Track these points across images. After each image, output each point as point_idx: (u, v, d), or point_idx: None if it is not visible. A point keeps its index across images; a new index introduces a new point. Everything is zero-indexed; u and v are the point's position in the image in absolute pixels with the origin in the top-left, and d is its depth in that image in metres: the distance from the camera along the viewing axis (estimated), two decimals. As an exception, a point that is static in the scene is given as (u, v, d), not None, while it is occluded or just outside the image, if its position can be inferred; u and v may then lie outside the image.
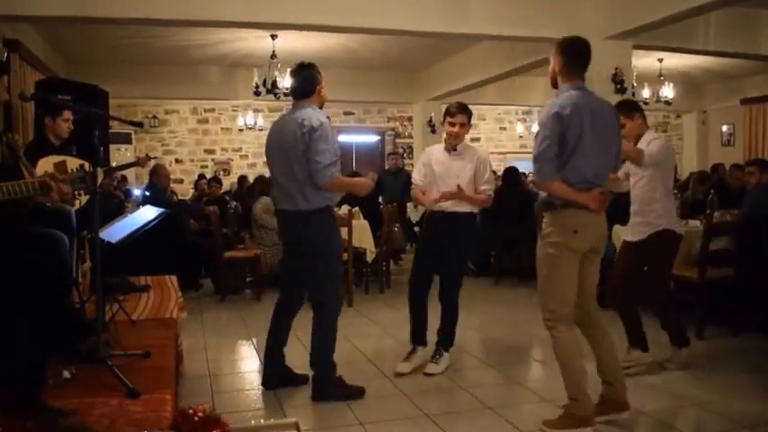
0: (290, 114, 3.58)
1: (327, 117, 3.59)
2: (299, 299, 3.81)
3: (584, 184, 2.95)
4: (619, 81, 6.61)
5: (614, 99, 6.79)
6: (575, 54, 3.06)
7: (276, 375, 3.77)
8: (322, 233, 3.52)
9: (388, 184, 9.05)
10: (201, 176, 9.70)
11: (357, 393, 3.61)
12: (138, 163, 5.93)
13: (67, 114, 3.95)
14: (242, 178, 10.44)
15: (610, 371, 3.15)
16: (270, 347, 3.78)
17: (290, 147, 3.44)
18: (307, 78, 3.65)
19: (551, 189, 2.97)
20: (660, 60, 9.39)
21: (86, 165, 3.28)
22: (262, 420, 2.44)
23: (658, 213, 3.89)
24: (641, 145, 3.92)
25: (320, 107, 3.64)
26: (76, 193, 3.31)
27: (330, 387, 3.58)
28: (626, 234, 4.10)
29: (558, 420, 3.05)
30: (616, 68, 6.54)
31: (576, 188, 2.94)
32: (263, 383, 3.78)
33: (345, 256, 6.22)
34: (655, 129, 13.74)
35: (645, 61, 9.03)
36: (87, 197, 3.43)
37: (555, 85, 3.12)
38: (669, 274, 4.35)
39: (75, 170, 3.08)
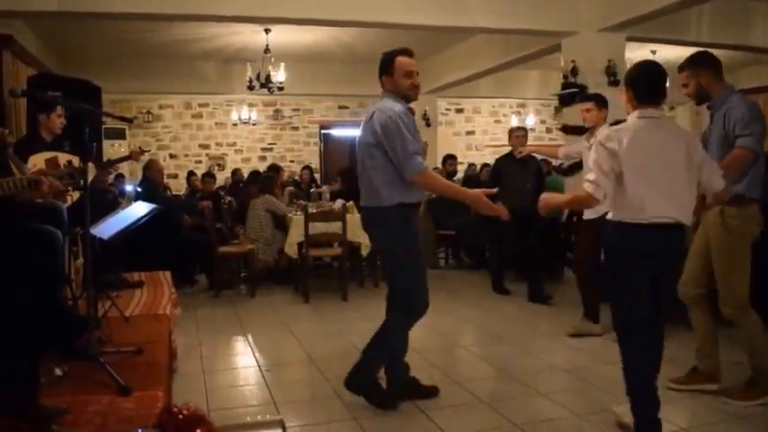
0: None
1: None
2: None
3: None
4: (612, 73, 6.62)
5: (607, 92, 6.85)
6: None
7: (400, 390, 3.45)
8: None
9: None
10: (192, 173, 9.67)
11: (390, 406, 3.33)
12: (131, 157, 5.91)
13: (60, 110, 3.94)
14: (235, 172, 10.44)
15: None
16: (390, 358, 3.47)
17: None
18: None
19: None
20: (653, 52, 9.40)
21: (75, 160, 3.27)
22: (248, 418, 2.44)
23: None
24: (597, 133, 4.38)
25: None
26: (69, 188, 3.31)
27: (367, 382, 3.35)
28: (588, 213, 4.47)
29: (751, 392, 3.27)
30: (609, 60, 6.55)
31: None
32: (345, 383, 3.46)
33: (339, 250, 6.24)
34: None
35: (638, 53, 9.01)
36: (79, 193, 3.42)
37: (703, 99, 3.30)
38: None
39: (64, 166, 3.08)
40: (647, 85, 2.81)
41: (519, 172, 5.92)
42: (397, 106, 3.19)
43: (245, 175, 10.30)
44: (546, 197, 3.03)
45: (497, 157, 6.52)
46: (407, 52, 3.29)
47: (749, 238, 3.27)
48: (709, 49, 3.66)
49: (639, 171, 2.70)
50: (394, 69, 3.26)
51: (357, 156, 3.37)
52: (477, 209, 3.22)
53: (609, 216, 2.88)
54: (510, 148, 5.98)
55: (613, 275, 2.85)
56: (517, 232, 5.82)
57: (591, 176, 2.76)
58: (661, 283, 2.82)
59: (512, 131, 6.07)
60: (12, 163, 2.81)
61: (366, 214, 3.36)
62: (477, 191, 3.21)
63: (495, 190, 3.25)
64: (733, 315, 3.29)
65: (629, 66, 7.79)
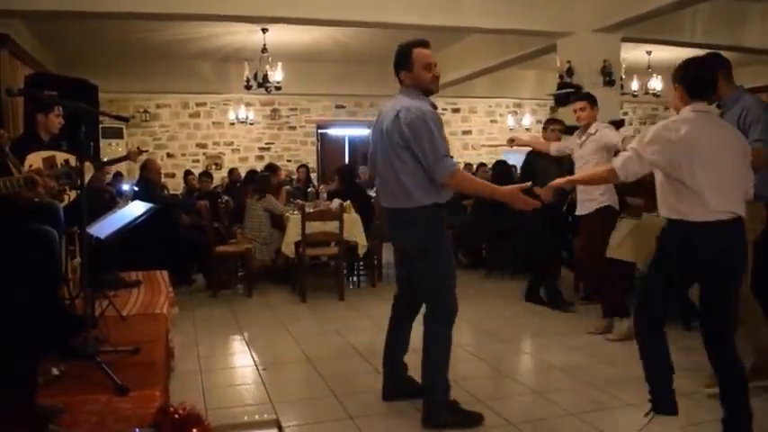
0: None
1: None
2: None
3: None
4: (608, 73, 6.65)
5: (603, 91, 6.87)
6: None
7: (396, 386, 3.43)
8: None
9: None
10: (189, 172, 9.68)
11: (475, 419, 3.15)
12: (129, 157, 5.91)
13: (58, 110, 3.94)
14: (232, 171, 10.44)
15: None
16: (387, 354, 3.44)
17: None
18: None
19: None
20: (649, 53, 9.44)
21: (72, 160, 3.28)
22: (245, 417, 2.44)
23: (602, 191, 4.59)
24: (591, 130, 4.68)
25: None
26: (65, 188, 3.31)
27: (443, 410, 3.13)
28: (581, 209, 4.74)
29: None
30: (605, 61, 6.58)
31: None
32: (384, 395, 3.44)
33: (336, 249, 6.25)
34: (645, 121, 13.86)
35: (634, 54, 9.08)
36: (76, 192, 3.43)
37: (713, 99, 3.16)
38: (606, 246, 4.74)
39: (61, 165, 3.09)
40: (699, 80, 2.80)
41: (554, 167, 5.41)
42: (425, 106, 3.05)
43: (243, 175, 10.33)
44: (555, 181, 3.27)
45: (529, 151, 5.98)
46: (424, 43, 3.18)
47: (752, 236, 3.24)
48: (705, 50, 3.69)
49: (700, 163, 2.65)
50: (412, 63, 3.13)
51: (379, 153, 3.19)
52: (513, 204, 3.13)
53: (666, 216, 2.83)
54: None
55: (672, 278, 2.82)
56: (552, 229, 5.64)
57: (627, 153, 2.79)
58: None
59: (547, 124, 5.72)
60: (9, 162, 2.81)
61: (397, 217, 3.18)
62: (510, 187, 3.16)
63: (528, 184, 3.23)
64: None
65: (624, 65, 7.82)
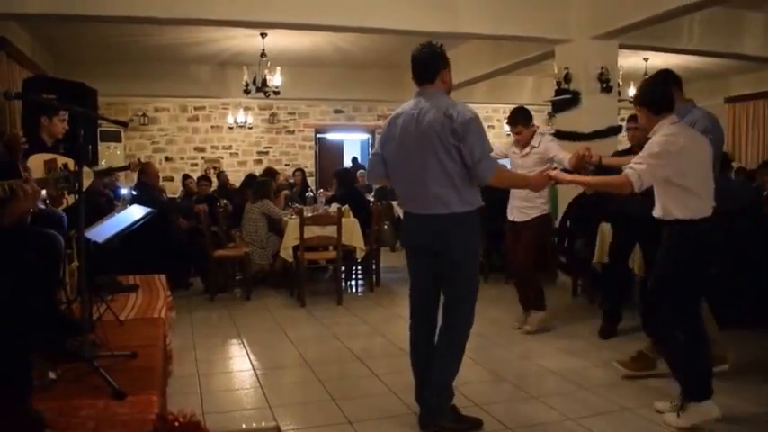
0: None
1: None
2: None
3: None
4: (605, 80, 6.67)
5: (600, 98, 6.89)
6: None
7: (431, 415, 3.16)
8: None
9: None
10: (187, 176, 9.68)
11: (474, 424, 3.15)
12: (130, 168, 5.93)
13: (63, 114, 3.94)
14: (220, 175, 10.46)
15: None
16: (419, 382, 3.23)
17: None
18: None
19: None
20: (646, 60, 9.47)
21: (70, 164, 3.28)
22: (243, 425, 2.41)
23: (545, 200, 4.87)
24: (534, 142, 4.80)
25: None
26: (64, 192, 3.31)
27: (443, 416, 3.10)
28: (512, 216, 4.99)
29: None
30: (602, 68, 6.60)
31: None
32: (420, 425, 3.16)
33: (334, 253, 6.25)
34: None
35: (631, 60, 9.10)
36: (75, 197, 3.43)
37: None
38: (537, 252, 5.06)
39: (60, 169, 3.09)
40: (660, 98, 3.14)
41: None
42: (469, 106, 3.03)
43: (229, 179, 10.35)
44: (560, 175, 3.43)
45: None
46: None
47: None
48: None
49: (696, 169, 3.05)
50: (449, 65, 3.09)
51: (412, 156, 3.01)
52: (538, 187, 3.50)
53: (675, 217, 3.10)
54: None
55: (686, 273, 3.12)
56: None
57: (641, 167, 3.03)
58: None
59: (628, 122, 4.92)
60: (21, 167, 2.82)
61: (445, 223, 2.99)
62: (538, 173, 3.44)
63: (552, 167, 3.59)
64: None
65: (621, 72, 7.85)
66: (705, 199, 3.08)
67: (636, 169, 3.04)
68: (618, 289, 4.88)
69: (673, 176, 3.03)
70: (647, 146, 3.11)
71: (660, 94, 3.15)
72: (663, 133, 3.07)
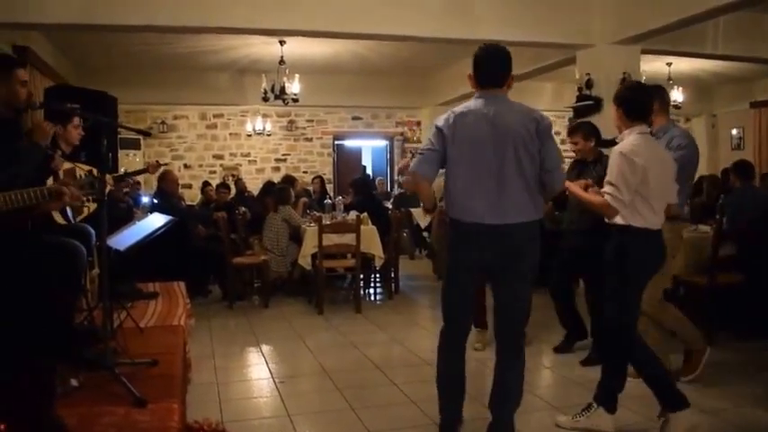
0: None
1: None
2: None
3: None
4: (627, 86, 6.57)
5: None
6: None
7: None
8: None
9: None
10: (206, 183, 9.73)
11: None
12: (148, 170, 5.96)
13: (77, 121, 3.97)
14: (237, 182, 10.50)
15: None
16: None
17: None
18: None
19: None
20: (669, 64, 9.36)
21: (95, 170, 3.30)
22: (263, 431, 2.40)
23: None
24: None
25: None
26: (85, 199, 3.33)
27: None
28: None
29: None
30: (624, 73, 6.50)
31: None
32: None
33: (352, 262, 6.22)
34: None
35: (654, 65, 9.00)
36: (95, 204, 3.45)
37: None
38: None
39: (83, 176, 3.10)
40: (636, 104, 3.13)
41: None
42: None
43: (246, 186, 10.39)
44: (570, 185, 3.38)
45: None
46: None
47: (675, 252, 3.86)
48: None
49: (656, 182, 3.02)
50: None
51: (481, 160, 2.79)
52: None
53: (623, 222, 3.06)
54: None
55: (627, 280, 3.07)
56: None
57: (612, 189, 2.99)
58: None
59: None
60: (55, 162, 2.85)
61: (525, 232, 2.81)
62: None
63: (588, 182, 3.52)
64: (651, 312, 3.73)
65: (644, 77, 7.77)
66: (658, 213, 3.08)
67: (613, 194, 2.98)
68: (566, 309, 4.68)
69: (638, 186, 3.00)
70: (611, 158, 3.08)
71: (640, 101, 3.14)
72: (628, 141, 3.06)
